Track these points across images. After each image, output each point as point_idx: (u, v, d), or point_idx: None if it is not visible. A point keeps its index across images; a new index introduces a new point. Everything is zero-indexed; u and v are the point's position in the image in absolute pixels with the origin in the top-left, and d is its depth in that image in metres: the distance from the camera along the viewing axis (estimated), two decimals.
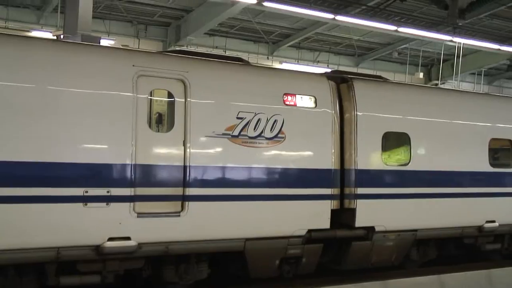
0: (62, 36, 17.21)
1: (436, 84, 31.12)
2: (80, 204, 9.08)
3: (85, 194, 9.10)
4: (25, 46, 9.22)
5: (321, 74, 12.22)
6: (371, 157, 11.75)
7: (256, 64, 13.43)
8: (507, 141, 13.95)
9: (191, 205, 9.89)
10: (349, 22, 22.81)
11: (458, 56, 27.84)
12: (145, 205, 9.57)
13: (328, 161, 11.27)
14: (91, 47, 10.13)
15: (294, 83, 11.34)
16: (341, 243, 11.83)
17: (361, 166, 11.55)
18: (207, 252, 10.42)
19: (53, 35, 21.52)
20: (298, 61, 30.26)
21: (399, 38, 29.16)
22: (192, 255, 10.34)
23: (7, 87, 8.76)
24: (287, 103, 10.96)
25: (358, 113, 11.60)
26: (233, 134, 10.33)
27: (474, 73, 34.47)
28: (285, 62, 29.34)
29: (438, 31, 25.46)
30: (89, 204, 9.13)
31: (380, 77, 13.32)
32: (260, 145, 10.60)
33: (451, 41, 25.90)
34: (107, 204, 9.27)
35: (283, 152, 10.84)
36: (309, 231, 11.10)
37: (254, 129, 10.53)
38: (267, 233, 10.72)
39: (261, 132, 10.60)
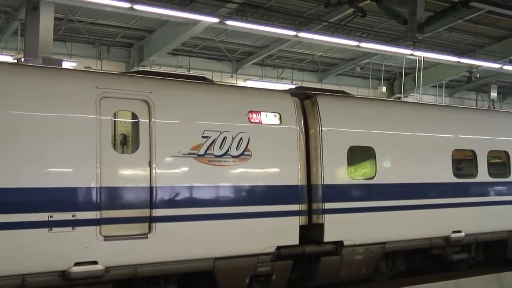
0: (22, 60, 17.02)
1: (399, 98, 31.48)
2: (45, 230, 8.85)
3: (50, 219, 8.89)
4: None
5: (285, 91, 12.17)
6: (337, 172, 11.70)
7: (220, 83, 13.39)
8: (470, 151, 14.06)
9: (158, 226, 9.72)
10: (312, 38, 23.27)
11: (419, 69, 28.43)
12: (112, 228, 9.38)
13: (295, 177, 11.20)
14: (53, 70, 9.98)
15: (258, 100, 11.27)
16: (310, 259, 11.74)
17: (328, 181, 11.50)
18: (176, 273, 10.23)
19: (14, 59, 21.28)
20: (262, 78, 30.35)
21: (361, 53, 29.48)
22: (161, 277, 10.16)
23: None
24: (252, 120, 10.89)
25: (323, 128, 11.56)
26: (199, 153, 10.22)
27: (435, 86, 34.81)
28: (249, 79, 29.40)
29: (398, 45, 26.13)
30: (54, 229, 8.91)
31: (343, 92, 13.36)
32: (226, 164, 10.49)
33: (412, 55, 26.36)
34: (72, 229, 9.06)
35: (250, 170, 10.74)
36: (278, 248, 10.98)
37: (220, 147, 10.43)
38: (236, 252, 10.57)
39: (227, 151, 10.50)
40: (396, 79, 34.69)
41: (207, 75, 25.98)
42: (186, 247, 10.08)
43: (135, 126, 9.89)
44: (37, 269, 8.88)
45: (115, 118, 9.75)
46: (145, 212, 9.71)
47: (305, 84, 30.65)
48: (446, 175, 13.40)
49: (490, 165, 14.32)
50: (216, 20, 20.08)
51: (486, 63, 27.90)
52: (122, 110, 9.85)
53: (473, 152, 14.06)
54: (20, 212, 8.76)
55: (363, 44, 23.81)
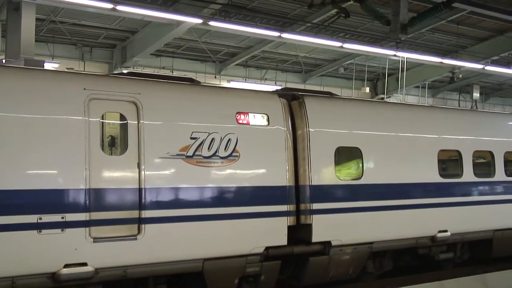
0: (4, 61, 16.97)
1: (382, 98, 31.66)
2: (34, 232, 8.92)
3: (39, 221, 8.95)
4: None
5: (272, 92, 12.33)
6: (324, 172, 11.86)
7: (208, 84, 13.49)
8: (455, 151, 14.27)
9: (147, 228, 9.81)
10: (295, 39, 23.20)
11: (402, 70, 28.47)
12: (101, 229, 9.46)
13: (283, 178, 11.34)
14: (41, 72, 10.05)
15: (246, 101, 11.41)
16: (299, 259, 11.87)
17: (315, 182, 11.64)
18: (165, 274, 10.32)
19: None
20: (245, 79, 30.37)
21: (344, 54, 29.57)
22: (150, 278, 10.25)
23: None
24: (240, 121, 11.01)
25: (310, 129, 11.71)
26: (188, 154, 10.32)
27: (418, 86, 35.06)
28: (233, 80, 29.44)
29: (382, 46, 26.19)
30: (43, 231, 8.98)
31: (329, 93, 13.52)
32: (214, 165, 10.61)
33: (395, 55, 26.35)
34: (62, 230, 9.13)
35: (238, 171, 10.86)
36: (267, 248, 11.12)
37: (208, 148, 10.54)
38: (225, 252, 10.69)
39: (216, 152, 10.61)
40: (380, 80, 34.87)
41: (191, 76, 26.13)
42: (175, 248, 10.18)
43: (124, 127, 9.98)
44: (27, 271, 8.93)
45: (103, 119, 9.83)
46: (134, 214, 9.80)
47: (289, 85, 30.71)
48: (432, 175, 13.61)
49: (475, 165, 14.56)
50: (199, 21, 20.06)
51: (469, 63, 28.03)
52: (110, 111, 9.94)
53: (458, 152, 14.28)
54: (9, 214, 8.81)
55: (346, 45, 23.77)
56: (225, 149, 10.72)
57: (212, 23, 20.26)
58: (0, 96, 8.99)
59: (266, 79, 31.52)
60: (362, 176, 12.42)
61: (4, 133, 8.88)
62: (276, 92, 12.44)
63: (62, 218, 9.16)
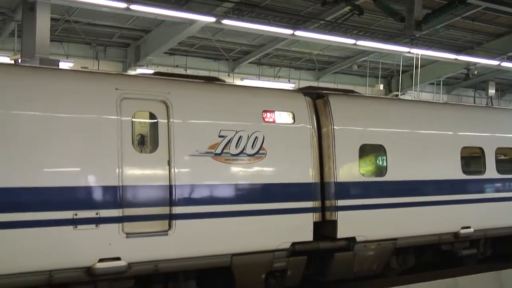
0: (20, 61, 17.38)
1: (397, 95, 31.97)
2: (70, 227, 9.41)
3: (75, 217, 9.44)
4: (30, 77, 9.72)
5: (297, 91, 12.76)
6: (349, 169, 12.34)
7: (235, 83, 13.92)
8: (478, 148, 14.70)
9: (178, 224, 10.29)
10: (308, 37, 23.61)
11: (416, 67, 28.61)
12: (134, 225, 9.95)
13: (309, 175, 11.81)
14: (75, 73, 10.53)
15: (272, 100, 11.90)
16: (323, 255, 12.33)
17: (340, 179, 12.12)
18: (195, 269, 10.81)
19: (11, 60, 21.64)
20: (259, 77, 30.91)
21: (358, 51, 29.98)
22: (180, 272, 10.72)
23: (6, 115, 9.15)
24: (267, 120, 11.49)
25: (335, 127, 12.19)
26: (216, 152, 10.80)
27: (433, 83, 35.49)
28: (246, 78, 29.89)
29: (396, 43, 26.41)
30: (79, 227, 9.47)
31: (352, 91, 13.95)
32: (242, 162, 11.09)
33: (409, 52, 26.73)
34: (96, 226, 9.61)
35: (265, 168, 11.35)
36: (293, 244, 11.59)
37: (236, 146, 11.02)
38: (253, 248, 11.18)
39: (243, 149, 11.09)
40: (394, 77, 35.37)
41: (204, 74, 26.61)
42: (205, 243, 10.67)
43: (154, 126, 10.47)
44: (63, 265, 9.42)
45: (135, 118, 10.31)
46: (165, 210, 10.28)
47: (302, 83, 31.23)
48: (455, 172, 14.07)
49: (498, 161, 15.03)
50: (212, 19, 20.50)
51: (484, 60, 28.39)
52: (141, 110, 10.44)
53: (481, 149, 14.71)
54: (47, 211, 9.30)
55: (360, 42, 24.25)
56: (252, 147, 11.20)
57: (225, 21, 20.71)
58: (36, 96, 9.50)
59: (279, 77, 31.99)
60: (386, 173, 12.89)
61: (42, 133, 9.38)
62: (301, 90, 12.84)
63: (97, 214, 9.65)
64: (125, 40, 27.33)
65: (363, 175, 12.58)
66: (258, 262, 11.30)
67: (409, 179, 13.23)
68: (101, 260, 9.62)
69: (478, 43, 29.78)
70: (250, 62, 30.82)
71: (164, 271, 10.40)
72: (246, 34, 26.09)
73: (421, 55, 27.51)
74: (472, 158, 14.90)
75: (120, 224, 9.80)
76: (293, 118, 11.81)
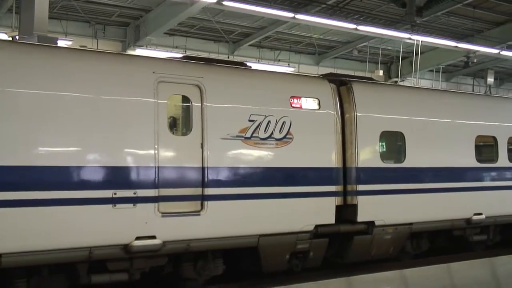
0: (17, 37, 17.81)
1: (396, 82, 32.71)
2: (110, 206, 10.15)
3: (114, 196, 10.18)
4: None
5: (322, 77, 13.53)
6: (370, 155, 13.18)
7: (263, 69, 14.65)
8: (491, 137, 15.65)
9: (209, 204, 11.07)
10: (309, 20, 23.91)
11: (416, 54, 28.91)
12: (168, 205, 10.70)
13: (332, 160, 12.65)
14: (114, 55, 11.24)
15: (299, 86, 12.69)
16: (343, 238, 13.16)
17: (361, 164, 12.97)
18: (225, 248, 11.61)
19: (8, 36, 22.03)
20: (259, 60, 31.24)
21: (358, 36, 30.52)
22: (209, 251, 11.51)
23: (49, 96, 9.82)
24: (294, 105, 12.27)
25: (357, 114, 13.01)
26: (246, 136, 11.57)
27: (432, 70, 36.29)
28: (246, 61, 30.28)
29: (396, 29, 26.85)
30: (117, 206, 10.20)
31: (370, 78, 14.75)
32: (270, 146, 11.88)
33: (410, 38, 27.12)
34: (134, 205, 10.35)
35: (292, 152, 12.13)
36: (316, 226, 12.43)
37: (265, 131, 11.80)
38: (279, 229, 11.98)
39: (271, 134, 11.88)
40: (393, 63, 36.07)
41: (204, 56, 27.08)
42: (234, 224, 11.45)
43: (189, 109, 11.20)
44: (102, 242, 10.15)
45: (170, 101, 11.03)
46: (197, 191, 11.05)
47: (302, 67, 31.93)
48: (469, 160, 15.02)
49: (509, 150, 16.00)
50: (213, 0, 20.74)
51: (484, 48, 28.92)
52: (176, 94, 11.18)
53: (494, 138, 15.69)
54: (89, 189, 10.04)
55: (361, 27, 24.59)
56: (280, 132, 11.98)
57: (226, 2, 20.85)
58: (77, 79, 10.16)
59: (279, 60, 32.54)
60: (404, 159, 13.74)
61: (83, 114, 10.05)
62: (323, 77, 13.63)
63: (134, 193, 10.39)
64: (124, 19, 27.66)
65: (382, 161, 13.41)
66: (283, 243, 12.10)
67: (426, 166, 14.12)
68: (137, 238, 10.35)
69: (478, 31, 30.43)
70: (250, 45, 31.30)
71: (195, 250, 11.17)
72: (247, 16, 26.46)
73: (421, 41, 27.81)
74: (485, 147, 15.83)
75: (156, 204, 10.53)
76: (319, 104, 12.60)
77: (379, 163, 13.33)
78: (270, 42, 31.87)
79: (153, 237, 10.51)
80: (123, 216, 10.29)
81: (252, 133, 11.65)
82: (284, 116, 12.05)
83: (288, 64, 31.60)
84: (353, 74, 15.01)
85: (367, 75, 32.85)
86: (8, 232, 9.34)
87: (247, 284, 12.37)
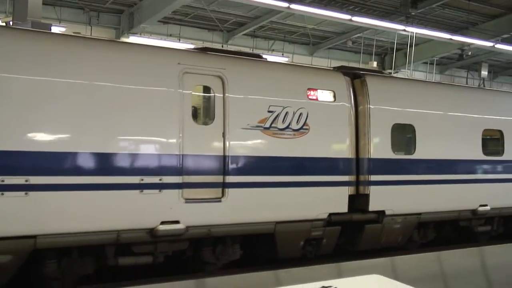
0: (11, 23, 18.38)
1: (390, 73, 33.51)
2: (137, 191, 10.87)
3: (141, 182, 10.90)
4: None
5: (337, 70, 14.34)
6: (382, 147, 13.96)
7: (282, 62, 15.44)
8: (497, 131, 16.58)
9: (230, 192, 11.82)
10: (304, 11, 24.23)
11: (411, 45, 29.42)
12: (192, 191, 11.44)
13: (347, 150, 13.44)
14: (141, 47, 12.01)
15: (315, 78, 13.44)
16: (355, 226, 13.99)
17: (374, 155, 13.77)
18: (243, 234, 12.37)
19: (2, 22, 22.56)
20: (253, 50, 31.53)
21: (353, 27, 31.32)
22: (228, 237, 12.29)
23: (83, 85, 10.55)
24: (310, 97, 13.03)
25: (370, 106, 13.80)
26: (265, 126, 12.33)
27: (426, 62, 37.13)
28: (240, 51, 30.92)
29: (391, 20, 27.52)
30: (144, 191, 10.92)
31: (380, 71, 15.63)
32: (288, 136, 12.63)
33: (404, 30, 27.52)
34: (159, 191, 11.08)
35: (308, 143, 12.89)
36: (330, 214, 13.23)
37: (283, 121, 12.55)
38: (294, 217, 12.78)
39: (289, 124, 12.64)
40: (387, 55, 36.91)
41: (198, 44, 27.72)
42: (253, 211, 12.22)
43: (211, 99, 11.94)
44: (130, 226, 10.90)
45: (194, 92, 11.77)
46: (219, 179, 11.80)
47: (296, 57, 32.70)
48: (476, 153, 15.91)
49: None
50: None
51: (478, 41, 29.54)
52: (200, 84, 11.90)
53: (500, 132, 16.61)
54: (117, 175, 10.77)
55: (355, 18, 25.00)
56: (297, 122, 12.75)
57: None
58: (104, 69, 10.87)
59: (273, 50, 33.25)
60: (414, 151, 14.59)
61: (110, 103, 10.77)
62: (340, 70, 14.45)
63: (160, 180, 11.11)
64: (118, 7, 28.15)
65: (394, 152, 14.21)
66: (298, 230, 12.90)
67: (435, 158, 14.97)
68: (162, 223, 11.09)
69: (473, 24, 31.06)
70: (244, 34, 32.02)
71: (216, 235, 11.92)
72: (241, 5, 26.91)
73: (415, 33, 28.35)
74: (491, 140, 16.68)
75: (180, 190, 11.27)
76: (334, 96, 13.39)
77: (391, 155, 14.11)
78: (264, 32, 32.58)
79: (177, 222, 11.26)
80: (149, 202, 11.00)
81: (271, 123, 12.39)
82: (301, 108, 12.80)
83: (282, 54, 32.25)
84: (363, 67, 15.72)
85: (361, 66, 33.72)
86: (43, 214, 10.04)
87: (238, 270, 12.62)
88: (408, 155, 14.63)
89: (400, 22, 27.21)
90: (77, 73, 10.53)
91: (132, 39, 27.40)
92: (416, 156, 14.59)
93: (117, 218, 10.77)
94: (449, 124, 15.46)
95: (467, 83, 37.81)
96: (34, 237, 10.02)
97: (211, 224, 11.76)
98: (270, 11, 28.34)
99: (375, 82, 14.24)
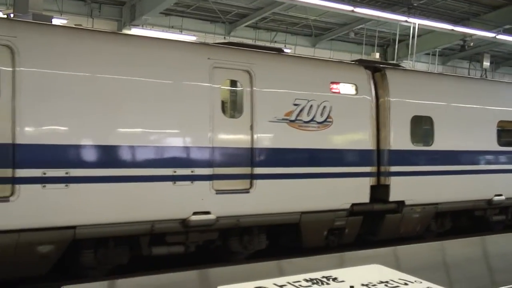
0: (12, 15, 18.86)
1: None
2: (170, 183, 11.49)
3: (174, 173, 11.51)
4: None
5: (359, 64, 15.00)
6: (401, 138, 14.62)
7: (305, 55, 16.07)
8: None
9: (258, 183, 12.46)
10: (306, 2, 24.91)
11: (413, 37, 29.79)
12: (221, 183, 12.05)
13: (368, 142, 14.10)
14: (172, 42, 12.66)
15: (338, 72, 14.08)
16: (375, 216, 14.69)
17: (394, 146, 14.42)
18: (270, 224, 13.02)
19: (3, 14, 23.05)
20: (255, 41, 32.41)
21: (355, 18, 31.88)
22: (255, 227, 12.95)
23: (131, 81, 11.20)
24: (333, 90, 13.66)
25: (390, 99, 14.47)
26: (291, 119, 12.94)
27: (428, 53, 37.87)
28: (242, 42, 31.46)
29: (393, 11, 28.13)
30: (177, 183, 11.53)
31: (397, 64, 16.38)
32: (312, 129, 13.25)
33: (406, 21, 28.28)
34: (191, 183, 11.69)
35: (331, 135, 13.54)
36: (352, 205, 13.90)
37: (308, 114, 13.17)
38: (319, 207, 13.44)
39: (313, 117, 13.26)
40: (390, 46, 37.62)
41: (200, 36, 28.45)
42: (279, 201, 12.84)
43: (240, 93, 12.55)
44: (163, 217, 11.52)
45: (223, 86, 12.40)
46: (247, 170, 12.44)
47: (298, 48, 33.33)
48: (492, 144, 16.66)
49: None
50: None
51: (480, 32, 30.29)
52: (229, 79, 12.53)
53: None
54: (153, 167, 11.39)
55: (357, 9, 25.74)
56: (321, 115, 13.38)
57: None
58: (137, 65, 11.43)
59: (275, 41, 33.79)
60: (432, 143, 15.30)
61: (146, 97, 11.36)
62: (361, 64, 15.11)
63: (192, 172, 11.73)
64: None
65: (413, 143, 14.89)
66: (322, 220, 13.56)
67: (453, 149, 15.67)
68: (194, 213, 11.73)
69: (475, 15, 31.83)
70: (246, 26, 32.63)
71: (244, 225, 12.55)
72: None
73: (418, 24, 28.93)
74: (506, 131, 17.39)
75: (211, 182, 11.88)
76: (356, 89, 14.03)
77: (410, 146, 14.77)
78: (266, 23, 33.14)
79: (208, 212, 11.88)
80: (182, 193, 11.60)
81: (297, 116, 13.01)
82: (325, 101, 13.43)
83: (285, 46, 32.35)
84: (383, 61, 16.38)
85: (363, 57, 34.34)
86: (82, 206, 10.63)
87: (240, 261, 13.06)
88: (426, 146, 15.29)
89: (402, 13, 28.01)
90: (118, 70, 11.19)
91: (134, 31, 27.86)
92: (434, 147, 15.27)
93: (151, 209, 11.35)
94: (466, 116, 16.15)
95: (469, 74, 38.44)
96: (73, 227, 10.61)
97: (239, 215, 12.36)
98: (272, 2, 28.90)
99: (395, 75, 14.91)
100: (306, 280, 4.86)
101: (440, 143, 15.41)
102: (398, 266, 6.28)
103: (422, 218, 15.33)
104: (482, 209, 16.84)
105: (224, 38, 31.73)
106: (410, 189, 14.86)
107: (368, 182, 14.16)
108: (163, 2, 27.16)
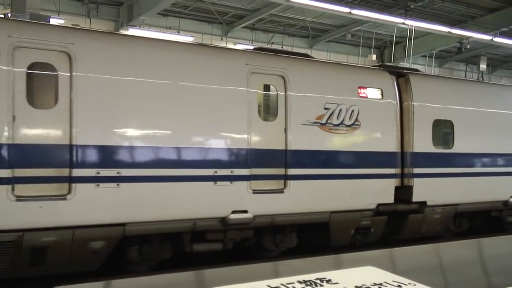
0: (9, 15, 19.60)
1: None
2: (211, 183, 12.40)
3: (215, 174, 12.42)
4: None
5: (383, 69, 16.01)
6: (424, 141, 15.60)
7: (332, 61, 17.14)
8: None
9: (291, 184, 13.38)
10: (303, 3, 25.51)
11: (410, 39, 31.01)
12: (258, 183, 12.97)
13: (393, 145, 15.08)
14: (212, 48, 13.62)
15: (365, 77, 15.04)
16: (399, 216, 15.67)
17: (417, 149, 15.41)
18: (302, 223, 13.93)
19: (0, 14, 23.77)
20: (252, 43, 33.36)
21: (352, 20, 32.78)
22: (287, 226, 13.88)
23: (173, 86, 12.13)
24: (361, 95, 14.62)
25: (414, 103, 15.46)
26: (322, 122, 13.88)
27: (425, 56, 38.81)
28: (239, 43, 32.38)
29: (390, 13, 28.93)
30: (218, 183, 12.43)
31: (417, 70, 17.56)
32: (341, 132, 14.21)
33: (403, 23, 28.94)
34: (231, 183, 12.60)
35: (359, 138, 14.51)
36: (378, 205, 14.88)
37: (337, 118, 14.14)
38: (347, 207, 14.39)
39: (342, 121, 14.21)
40: (387, 48, 38.65)
41: (197, 37, 29.31)
42: (311, 201, 13.79)
43: (275, 97, 13.46)
44: (205, 215, 12.44)
45: (260, 90, 13.32)
46: (281, 171, 13.36)
47: (295, 50, 34.13)
48: (509, 147, 17.77)
49: None
50: None
51: (477, 34, 31.05)
52: (264, 83, 13.43)
53: None
54: (196, 168, 12.34)
55: (355, 11, 26.30)
56: (349, 118, 14.35)
57: None
58: (178, 69, 12.32)
59: (272, 43, 34.68)
60: (452, 145, 16.36)
61: (190, 101, 12.24)
62: (386, 69, 16.11)
63: (231, 172, 12.64)
64: None
65: (434, 146, 15.89)
66: (350, 220, 14.52)
67: (472, 151, 16.74)
68: (233, 212, 12.63)
69: (472, 17, 32.66)
70: (243, 27, 33.46)
71: (278, 224, 13.46)
72: None
73: (415, 26, 29.67)
74: None
75: (248, 182, 12.79)
76: (382, 94, 15.01)
77: (432, 149, 15.78)
78: (263, 25, 33.97)
79: (245, 211, 12.79)
80: (222, 192, 12.50)
81: (327, 119, 13.94)
82: (353, 105, 14.39)
83: (282, 47, 33.57)
84: (404, 66, 17.50)
85: (360, 59, 35.36)
86: (132, 204, 11.51)
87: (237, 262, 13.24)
88: (447, 149, 16.30)
89: (399, 15, 28.62)
90: (166, 75, 12.13)
91: (131, 31, 28.46)
92: (454, 150, 16.32)
93: (194, 207, 12.25)
94: (484, 120, 17.20)
95: (465, 77, 39.44)
96: (123, 224, 11.50)
97: (274, 214, 13.29)
98: (270, 3, 29.55)
99: (418, 80, 15.92)
100: (300, 282, 4.98)
101: (460, 146, 16.45)
102: (393, 268, 6.41)
103: (442, 219, 16.35)
104: (498, 210, 17.92)
105: (221, 39, 32.55)
106: (431, 190, 15.86)
107: (393, 183, 15.15)
108: (161, 3, 27.78)
